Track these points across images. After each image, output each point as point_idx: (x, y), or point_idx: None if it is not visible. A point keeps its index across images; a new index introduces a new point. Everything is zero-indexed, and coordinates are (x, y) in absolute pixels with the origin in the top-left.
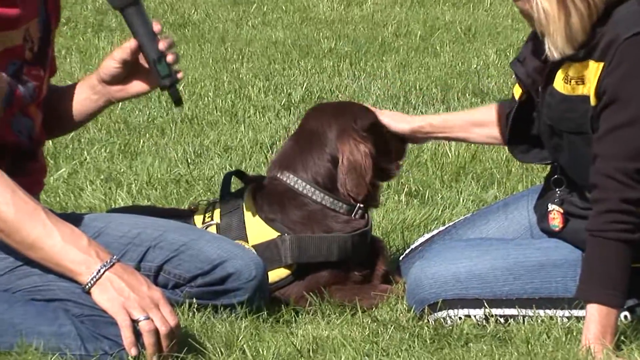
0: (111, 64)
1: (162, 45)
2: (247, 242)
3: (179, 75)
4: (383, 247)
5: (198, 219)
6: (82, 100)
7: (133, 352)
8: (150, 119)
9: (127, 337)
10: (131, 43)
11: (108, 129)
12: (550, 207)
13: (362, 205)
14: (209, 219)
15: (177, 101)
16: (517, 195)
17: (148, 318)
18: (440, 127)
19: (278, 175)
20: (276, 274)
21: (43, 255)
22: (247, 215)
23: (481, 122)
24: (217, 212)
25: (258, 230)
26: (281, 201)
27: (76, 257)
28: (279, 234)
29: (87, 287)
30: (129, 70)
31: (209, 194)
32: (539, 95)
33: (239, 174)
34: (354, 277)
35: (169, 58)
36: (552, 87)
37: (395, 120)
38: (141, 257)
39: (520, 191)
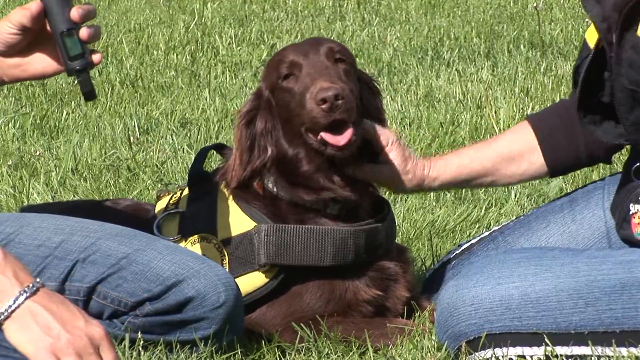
0: (6, 29)
1: (75, 13)
2: (216, 234)
3: (95, 59)
4: (409, 262)
5: (160, 205)
6: None
7: None
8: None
9: None
10: (34, 4)
11: (18, 96)
12: (633, 207)
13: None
14: (173, 206)
15: (88, 94)
16: (588, 187)
17: None
18: (465, 171)
19: None
20: (250, 282)
21: None
22: (222, 201)
23: (511, 154)
24: (185, 198)
25: (232, 220)
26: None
27: None
28: (255, 224)
29: None
30: (32, 41)
31: (159, 185)
32: (612, 49)
33: (220, 148)
34: (359, 304)
35: (83, 33)
36: (635, 37)
37: (392, 173)
38: (65, 275)
39: (594, 182)
